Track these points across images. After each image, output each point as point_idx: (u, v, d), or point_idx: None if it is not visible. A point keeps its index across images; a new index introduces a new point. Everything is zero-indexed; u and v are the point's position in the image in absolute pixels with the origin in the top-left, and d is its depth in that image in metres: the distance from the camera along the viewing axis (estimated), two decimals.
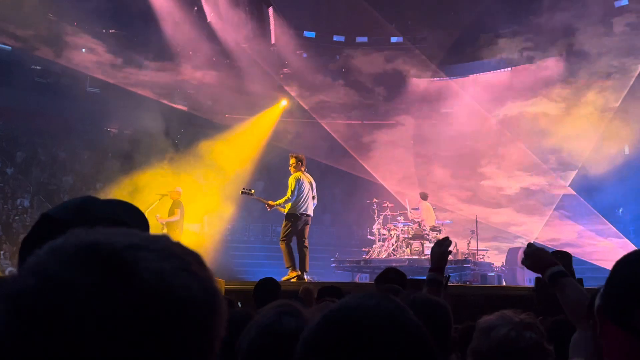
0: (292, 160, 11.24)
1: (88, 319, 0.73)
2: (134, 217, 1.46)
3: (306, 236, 11.06)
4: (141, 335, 0.75)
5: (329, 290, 6.06)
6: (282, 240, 10.98)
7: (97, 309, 0.74)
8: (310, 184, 11.09)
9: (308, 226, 11.09)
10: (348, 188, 24.16)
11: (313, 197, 11.07)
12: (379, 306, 1.18)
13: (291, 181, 10.92)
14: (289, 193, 10.83)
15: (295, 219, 10.87)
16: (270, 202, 11.16)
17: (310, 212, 11.02)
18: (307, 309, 2.20)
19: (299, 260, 10.93)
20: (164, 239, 0.84)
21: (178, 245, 0.85)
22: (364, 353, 1.11)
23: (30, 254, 0.82)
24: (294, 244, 11.01)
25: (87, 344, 0.73)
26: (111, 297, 0.75)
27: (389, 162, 24.14)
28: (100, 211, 1.41)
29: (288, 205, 10.91)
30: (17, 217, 20.97)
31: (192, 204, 17.43)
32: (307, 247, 11.04)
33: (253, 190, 11.96)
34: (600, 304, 1.56)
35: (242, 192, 12.08)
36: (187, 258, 0.83)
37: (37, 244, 0.96)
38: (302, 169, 11.19)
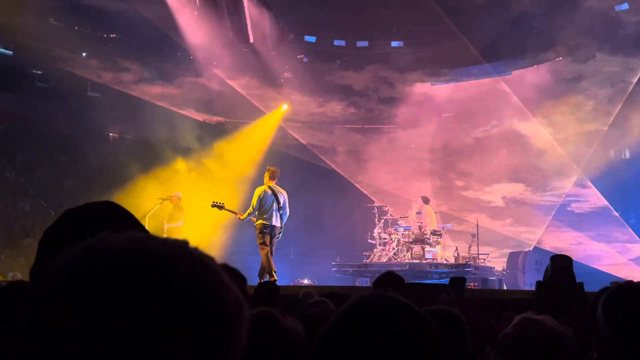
0: (266, 173, 11.96)
1: (133, 328, 0.73)
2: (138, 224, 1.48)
3: (273, 246, 11.59)
4: (181, 345, 0.76)
5: (330, 298, 6.06)
6: (261, 249, 11.57)
7: (142, 319, 0.74)
8: (276, 196, 11.53)
9: (275, 237, 11.55)
10: (348, 192, 24.14)
11: (279, 209, 11.50)
12: (395, 300, 1.21)
13: (254, 194, 11.62)
14: (251, 206, 11.54)
15: (261, 228, 11.43)
16: (239, 214, 11.85)
17: (275, 223, 11.46)
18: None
19: (260, 265, 11.45)
20: (195, 249, 0.85)
21: (207, 255, 0.86)
22: (381, 342, 1.15)
23: (52, 248, 0.81)
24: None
25: (131, 353, 0.73)
26: (158, 307, 0.75)
27: (390, 166, 24.16)
28: (121, 215, 1.42)
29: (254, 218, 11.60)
30: (17, 221, 20.98)
31: (193, 208, 17.46)
32: (271, 254, 11.45)
33: (223, 202, 12.17)
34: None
35: (212, 206, 12.29)
36: (219, 270, 0.85)
37: (59, 239, 0.96)
38: (272, 182, 11.78)
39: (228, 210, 12.06)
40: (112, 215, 1.42)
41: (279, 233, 11.66)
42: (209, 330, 0.78)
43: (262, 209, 11.42)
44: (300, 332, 2.20)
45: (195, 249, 0.85)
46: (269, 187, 11.64)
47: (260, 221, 11.43)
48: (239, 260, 20.73)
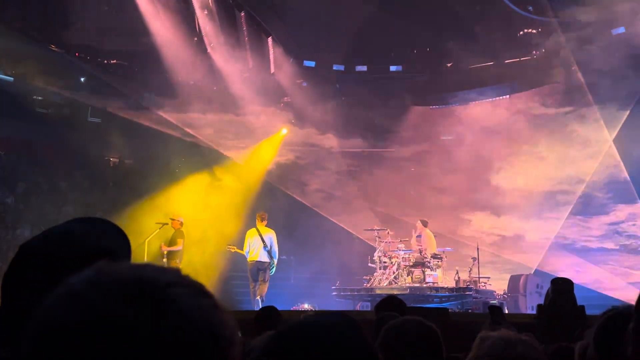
0: (257, 217, 14.78)
1: (135, 354, 0.75)
2: (116, 240, 1.46)
3: (261, 277, 14.22)
4: None
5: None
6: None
7: (146, 343, 0.76)
8: (262, 237, 14.20)
9: (262, 271, 14.21)
10: (348, 215, 24.14)
11: (265, 247, 14.12)
12: (330, 321, 1.27)
13: (245, 237, 14.60)
14: (243, 248, 14.55)
15: (250, 265, 14.33)
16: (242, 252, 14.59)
17: (260, 259, 14.16)
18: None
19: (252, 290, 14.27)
20: (186, 276, 0.89)
21: (198, 282, 0.89)
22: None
23: (13, 288, 0.82)
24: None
25: None
26: (159, 332, 0.77)
27: (390, 189, 24.17)
28: (83, 241, 1.40)
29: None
30: (17, 247, 20.90)
31: (193, 233, 17.45)
32: (263, 282, 14.25)
33: (232, 247, 15.10)
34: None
35: (228, 247, 15.55)
36: (212, 294, 0.88)
37: (19, 277, 0.97)
38: (262, 224, 14.51)
39: (238, 250, 14.71)
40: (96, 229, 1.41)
41: (270, 267, 14.18)
42: (206, 354, 0.80)
43: (251, 248, 14.23)
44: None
45: (188, 276, 0.89)
46: (257, 229, 14.33)
47: (249, 258, 14.25)
48: (239, 285, 20.69)
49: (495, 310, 7.08)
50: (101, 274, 0.82)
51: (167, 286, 0.81)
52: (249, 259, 14.21)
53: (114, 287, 0.79)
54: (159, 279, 0.82)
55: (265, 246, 14.15)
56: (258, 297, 14.03)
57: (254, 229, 14.38)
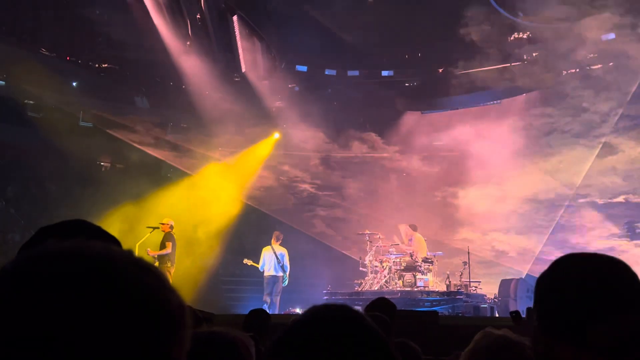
0: (273, 236, 16.50)
1: (76, 331, 0.75)
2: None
3: (275, 289, 15.99)
4: (125, 344, 0.77)
5: None
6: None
7: (87, 320, 0.75)
8: (275, 253, 16.02)
9: (275, 283, 15.97)
10: (340, 219, 24.17)
11: (278, 262, 15.96)
12: (343, 310, 1.26)
13: (261, 254, 16.31)
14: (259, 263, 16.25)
15: (265, 278, 16.09)
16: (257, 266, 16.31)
17: (274, 273, 15.97)
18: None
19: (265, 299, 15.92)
20: (134, 255, 0.87)
21: (148, 262, 0.88)
22: (330, 351, 1.18)
23: None
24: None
25: (73, 352, 0.74)
26: (101, 306, 0.76)
27: (380, 195, 24.21)
28: (93, 231, 1.44)
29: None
30: (8, 252, 20.84)
31: (184, 236, 17.44)
32: (276, 293, 16.02)
33: (248, 261, 16.48)
34: (545, 324, 1.52)
35: (245, 262, 16.66)
36: (161, 273, 0.87)
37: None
38: (277, 243, 16.29)
39: (254, 264, 16.24)
40: (86, 231, 1.44)
41: (283, 280, 15.99)
42: (150, 331, 0.79)
43: (266, 264, 16.00)
44: (248, 344, 2.26)
45: (136, 255, 0.87)
46: (272, 247, 16.14)
47: (265, 273, 16.03)
48: (231, 289, 20.67)
49: (516, 314, 7.21)
50: (45, 248, 0.82)
51: (111, 259, 0.81)
52: (264, 273, 16.02)
53: (53, 259, 0.79)
54: (103, 252, 0.82)
55: (278, 262, 15.96)
56: (266, 305, 15.36)
57: (269, 247, 16.22)
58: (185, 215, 18.66)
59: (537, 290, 1.58)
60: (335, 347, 1.18)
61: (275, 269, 15.97)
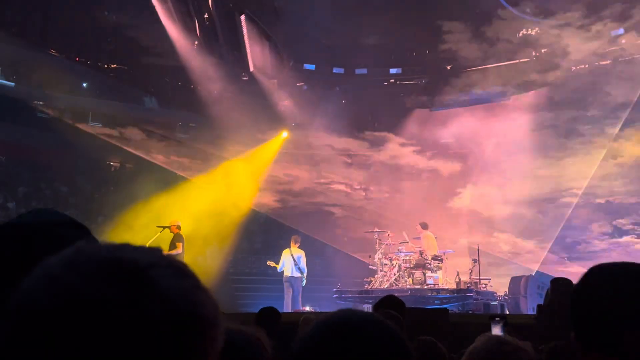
0: (291, 240, 17.27)
1: (118, 335, 0.75)
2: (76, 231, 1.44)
3: (293, 289, 16.59)
4: (165, 350, 0.77)
5: None
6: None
7: (127, 325, 0.76)
8: (293, 255, 16.73)
9: (294, 284, 16.59)
10: (347, 217, 24.17)
11: (296, 265, 16.63)
12: (367, 316, 1.28)
13: (281, 256, 17.00)
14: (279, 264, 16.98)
15: (284, 279, 16.75)
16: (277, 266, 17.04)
17: (289, 273, 16.65)
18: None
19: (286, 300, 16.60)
20: (167, 257, 0.87)
21: (183, 263, 0.88)
22: (356, 354, 1.19)
23: None
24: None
25: (116, 356, 0.75)
26: (140, 313, 0.77)
27: (389, 192, 24.18)
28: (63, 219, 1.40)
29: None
30: None
31: (194, 236, 17.50)
32: (295, 293, 16.64)
33: (271, 263, 17.22)
34: (582, 334, 1.53)
35: (267, 264, 17.47)
36: (194, 275, 0.87)
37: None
38: (295, 246, 16.98)
39: (275, 265, 16.97)
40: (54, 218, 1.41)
41: (301, 281, 16.65)
42: (188, 334, 0.80)
43: (284, 266, 16.75)
44: (265, 342, 2.27)
45: (169, 257, 0.87)
46: (290, 249, 16.85)
47: (284, 274, 16.75)
48: (240, 288, 20.73)
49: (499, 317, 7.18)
50: (80, 255, 0.81)
51: (147, 266, 0.80)
52: (284, 274, 16.76)
53: (92, 268, 0.79)
54: (139, 259, 0.81)
55: (295, 264, 16.69)
56: (288, 305, 16.21)
57: (287, 250, 16.95)
58: (194, 214, 18.70)
59: (572, 303, 1.60)
60: (361, 350, 1.19)
61: (292, 271, 16.71)
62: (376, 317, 1.27)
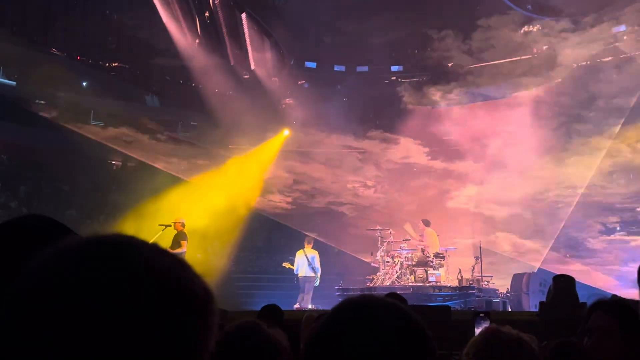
0: (305, 241, 17.75)
1: (109, 312, 0.77)
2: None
3: (307, 289, 17.03)
4: (154, 325, 0.79)
5: None
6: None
7: (118, 302, 0.78)
8: (306, 256, 17.22)
9: (308, 283, 17.05)
10: (350, 215, 24.18)
11: (309, 264, 17.09)
12: (384, 300, 1.27)
13: (295, 257, 17.59)
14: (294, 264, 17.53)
15: (299, 279, 17.20)
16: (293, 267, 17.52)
17: (303, 273, 17.12)
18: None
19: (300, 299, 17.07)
20: (153, 243, 0.89)
21: (168, 250, 0.90)
22: (370, 338, 1.19)
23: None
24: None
25: (107, 336, 0.77)
26: (129, 290, 0.79)
27: (391, 190, 24.18)
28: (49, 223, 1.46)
29: None
30: None
31: (196, 234, 17.50)
32: (308, 293, 17.06)
33: (286, 264, 17.71)
34: None
35: (284, 265, 17.89)
36: (182, 259, 0.89)
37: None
38: (309, 246, 17.48)
39: (291, 266, 17.47)
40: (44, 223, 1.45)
41: (315, 281, 17.15)
42: (176, 311, 0.81)
43: (299, 266, 17.22)
44: (283, 341, 2.29)
45: (154, 243, 0.89)
46: (304, 250, 17.37)
47: (298, 274, 17.21)
48: (243, 286, 20.74)
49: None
50: (64, 244, 0.85)
51: (131, 247, 0.84)
52: (298, 275, 17.22)
53: (73, 253, 0.82)
54: (123, 241, 0.85)
55: (309, 264, 17.17)
56: (298, 305, 16.60)
57: (301, 250, 17.46)
58: (197, 212, 18.70)
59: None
60: (376, 332, 1.18)
61: (306, 271, 17.20)
62: (391, 302, 1.27)
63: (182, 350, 0.82)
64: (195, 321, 0.83)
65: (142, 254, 0.83)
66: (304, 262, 17.33)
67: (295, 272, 17.33)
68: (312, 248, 17.70)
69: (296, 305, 16.65)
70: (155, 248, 0.86)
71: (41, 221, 1.46)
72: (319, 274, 17.32)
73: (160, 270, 0.83)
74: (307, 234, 19.71)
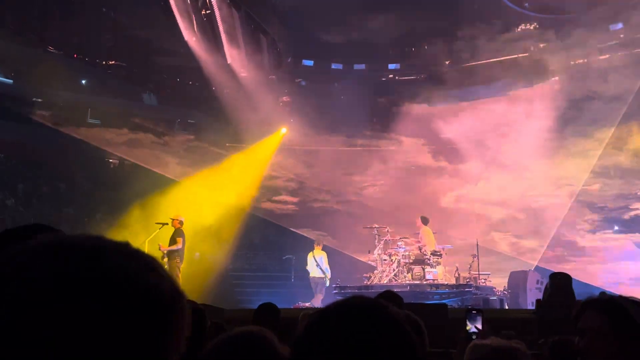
0: (314, 243, 18.32)
1: (63, 315, 0.77)
2: None
3: (318, 289, 17.48)
4: (114, 330, 0.78)
5: None
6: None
7: (71, 304, 0.77)
8: (315, 258, 17.67)
9: (318, 284, 17.50)
10: (347, 213, 24.17)
11: (318, 265, 17.54)
12: (368, 300, 1.28)
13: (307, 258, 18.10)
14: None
15: (311, 280, 17.68)
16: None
17: (315, 275, 17.59)
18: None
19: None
20: (124, 242, 0.88)
21: (139, 249, 0.89)
22: (354, 342, 1.19)
23: None
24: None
25: (62, 338, 0.76)
26: (86, 293, 0.78)
27: (388, 188, 24.18)
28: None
29: None
30: None
31: (193, 232, 17.49)
32: (319, 293, 17.41)
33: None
34: None
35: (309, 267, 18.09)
36: (150, 260, 0.88)
37: None
38: (318, 247, 17.98)
39: (307, 268, 17.86)
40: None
41: (324, 281, 17.54)
42: (140, 317, 0.80)
43: (310, 267, 17.68)
44: (285, 352, 2.17)
45: (126, 242, 0.88)
46: (313, 252, 17.84)
47: (309, 275, 17.76)
48: (241, 284, 20.74)
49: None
50: (35, 241, 0.84)
51: (92, 248, 0.83)
52: (310, 276, 17.74)
53: (41, 252, 0.82)
54: (86, 241, 0.84)
55: (317, 265, 17.65)
56: (308, 304, 16.70)
57: (311, 252, 17.93)
58: (194, 210, 18.70)
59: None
60: (361, 334, 1.19)
61: (315, 272, 17.71)
62: (379, 302, 1.27)
63: (146, 352, 0.81)
64: (161, 323, 0.83)
65: (107, 256, 0.83)
66: (313, 264, 17.80)
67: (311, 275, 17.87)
68: (322, 250, 18.16)
69: (307, 304, 16.72)
70: (121, 250, 0.85)
71: (43, 230, 1.47)
72: (328, 275, 17.75)
73: (125, 273, 0.82)
74: (317, 234, 20.56)
